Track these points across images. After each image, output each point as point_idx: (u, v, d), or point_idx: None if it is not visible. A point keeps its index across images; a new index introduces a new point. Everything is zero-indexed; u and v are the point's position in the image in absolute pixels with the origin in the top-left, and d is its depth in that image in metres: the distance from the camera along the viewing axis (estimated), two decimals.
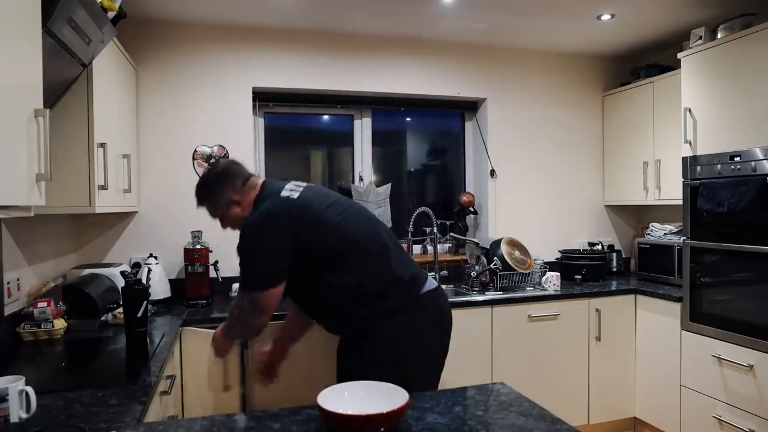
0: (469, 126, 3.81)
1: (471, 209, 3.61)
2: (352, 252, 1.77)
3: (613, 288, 3.21)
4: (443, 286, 3.24)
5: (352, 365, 1.80)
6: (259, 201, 1.82)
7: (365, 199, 3.39)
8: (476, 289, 3.14)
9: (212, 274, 2.90)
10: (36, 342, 2.03)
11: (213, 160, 3.11)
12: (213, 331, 2.21)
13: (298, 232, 1.73)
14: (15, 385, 1.24)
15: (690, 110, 2.85)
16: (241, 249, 1.76)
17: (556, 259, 3.64)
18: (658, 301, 3.03)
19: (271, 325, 1.95)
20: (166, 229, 3.02)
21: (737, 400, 2.56)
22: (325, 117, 3.61)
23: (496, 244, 3.28)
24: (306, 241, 1.73)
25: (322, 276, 1.77)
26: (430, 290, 1.86)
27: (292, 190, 1.82)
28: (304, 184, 1.88)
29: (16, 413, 1.24)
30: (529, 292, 3.10)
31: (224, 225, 1.94)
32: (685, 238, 2.85)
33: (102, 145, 2.16)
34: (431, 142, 3.86)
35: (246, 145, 3.17)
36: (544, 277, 3.21)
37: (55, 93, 1.98)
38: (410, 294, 1.81)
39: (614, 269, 3.68)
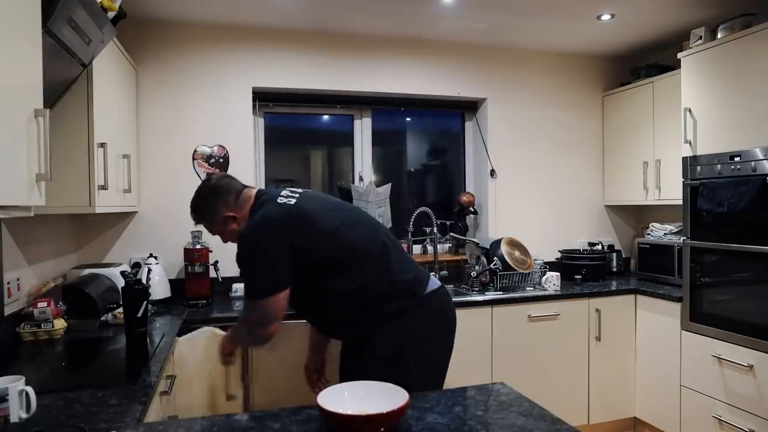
0: (469, 126, 3.81)
1: (471, 209, 3.61)
2: (351, 258, 1.76)
3: (613, 288, 3.21)
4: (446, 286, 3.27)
5: (354, 366, 1.80)
6: (254, 210, 1.80)
7: (365, 199, 3.39)
8: (476, 289, 3.14)
9: (212, 274, 2.90)
10: (36, 342, 2.03)
11: (212, 160, 3.11)
12: (208, 329, 2.18)
13: (296, 239, 1.71)
14: (15, 385, 1.24)
15: (690, 110, 2.85)
16: (240, 258, 1.74)
17: (556, 259, 3.64)
18: (658, 301, 3.03)
19: (283, 324, 1.92)
20: (166, 229, 3.02)
21: (737, 400, 2.56)
22: (325, 117, 3.61)
23: (496, 244, 3.28)
24: (304, 249, 1.71)
25: (321, 283, 1.75)
26: (432, 290, 1.85)
27: (288, 196, 1.80)
28: (300, 191, 1.86)
29: (16, 413, 1.24)
30: (529, 292, 3.10)
31: (225, 240, 1.93)
32: (685, 238, 2.85)
33: (102, 145, 2.16)
34: (431, 142, 3.86)
35: (246, 145, 3.17)
36: (544, 277, 3.21)
37: (55, 93, 1.98)
38: (412, 295, 1.80)
39: (614, 269, 3.68)
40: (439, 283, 1.90)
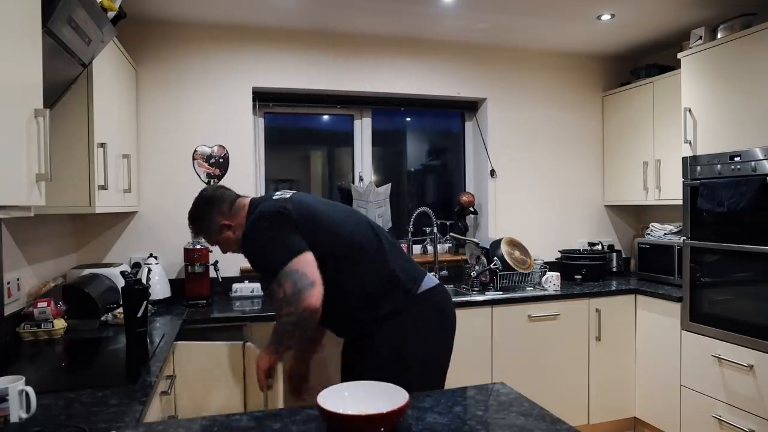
0: (469, 126, 3.81)
1: (471, 209, 3.61)
2: (350, 255, 1.78)
3: (613, 288, 3.21)
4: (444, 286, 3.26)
5: (354, 366, 1.80)
6: (250, 214, 1.82)
7: (365, 199, 3.39)
8: (476, 289, 3.14)
9: (212, 274, 2.89)
10: (36, 342, 2.03)
11: (212, 160, 3.11)
12: (206, 343, 2.10)
13: (299, 226, 1.73)
14: (15, 385, 1.24)
15: (690, 110, 2.85)
16: (252, 255, 1.75)
17: (556, 259, 3.64)
18: (658, 301, 3.03)
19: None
20: (166, 229, 3.02)
21: (737, 400, 2.56)
22: (325, 117, 3.61)
23: (496, 244, 3.28)
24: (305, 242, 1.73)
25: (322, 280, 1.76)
26: (428, 288, 1.85)
27: (283, 193, 1.85)
28: (294, 191, 1.91)
29: (16, 413, 1.24)
30: (529, 292, 3.10)
31: (224, 250, 1.95)
32: (685, 238, 2.85)
33: (102, 145, 2.16)
34: (431, 142, 3.86)
35: (246, 145, 3.17)
36: (544, 277, 3.21)
37: (55, 93, 1.98)
38: (408, 292, 1.81)
39: (614, 269, 3.68)
40: (436, 281, 1.90)
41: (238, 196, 1.93)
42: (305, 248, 1.68)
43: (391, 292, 1.78)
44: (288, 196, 1.82)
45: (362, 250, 1.79)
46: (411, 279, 1.83)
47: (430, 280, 1.89)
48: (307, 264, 1.65)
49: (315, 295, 1.62)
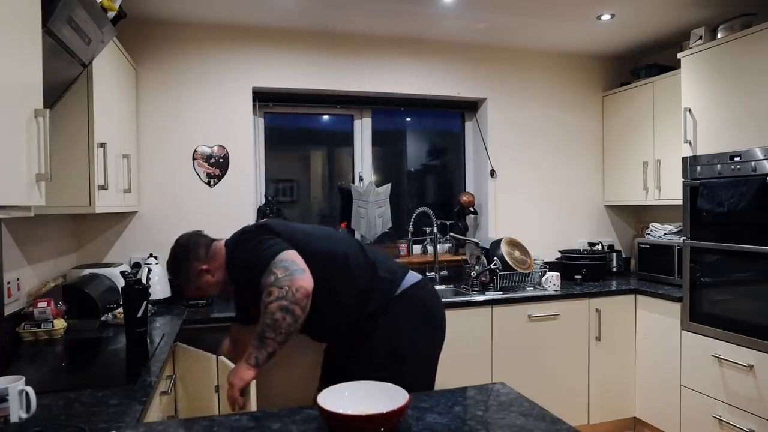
0: (469, 126, 3.81)
1: (471, 209, 3.61)
2: (334, 261, 1.81)
3: (613, 288, 3.21)
4: (442, 286, 3.26)
5: (348, 366, 1.79)
6: (228, 250, 1.84)
7: (365, 199, 3.39)
8: (476, 289, 3.14)
9: None
10: (36, 342, 2.03)
11: (212, 160, 3.11)
12: (206, 353, 1.99)
13: (282, 237, 1.76)
14: (15, 385, 1.24)
15: (690, 110, 2.85)
16: (236, 270, 1.78)
17: (556, 259, 3.64)
18: (658, 301, 3.03)
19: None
20: (165, 229, 3.02)
21: (737, 400, 2.56)
22: (325, 117, 3.61)
23: (496, 244, 3.28)
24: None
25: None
26: (411, 285, 1.86)
27: (257, 222, 1.92)
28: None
29: (16, 413, 1.24)
30: (529, 292, 3.10)
31: (204, 293, 1.94)
32: (685, 238, 2.85)
33: (102, 145, 2.16)
34: (431, 142, 3.86)
35: (246, 145, 3.17)
36: (544, 277, 3.21)
37: (55, 93, 1.98)
38: (392, 283, 1.83)
39: (614, 269, 3.68)
40: (418, 277, 1.91)
41: (213, 240, 1.93)
42: (291, 248, 1.71)
43: (376, 289, 1.80)
44: (263, 220, 1.90)
45: (345, 256, 1.83)
46: (391, 272, 1.87)
47: (412, 277, 1.90)
48: (296, 255, 1.69)
49: (307, 279, 1.63)
